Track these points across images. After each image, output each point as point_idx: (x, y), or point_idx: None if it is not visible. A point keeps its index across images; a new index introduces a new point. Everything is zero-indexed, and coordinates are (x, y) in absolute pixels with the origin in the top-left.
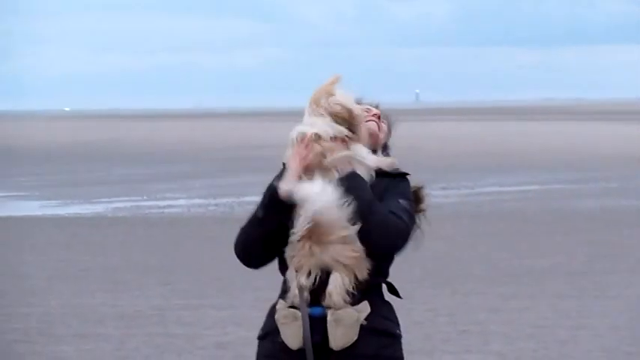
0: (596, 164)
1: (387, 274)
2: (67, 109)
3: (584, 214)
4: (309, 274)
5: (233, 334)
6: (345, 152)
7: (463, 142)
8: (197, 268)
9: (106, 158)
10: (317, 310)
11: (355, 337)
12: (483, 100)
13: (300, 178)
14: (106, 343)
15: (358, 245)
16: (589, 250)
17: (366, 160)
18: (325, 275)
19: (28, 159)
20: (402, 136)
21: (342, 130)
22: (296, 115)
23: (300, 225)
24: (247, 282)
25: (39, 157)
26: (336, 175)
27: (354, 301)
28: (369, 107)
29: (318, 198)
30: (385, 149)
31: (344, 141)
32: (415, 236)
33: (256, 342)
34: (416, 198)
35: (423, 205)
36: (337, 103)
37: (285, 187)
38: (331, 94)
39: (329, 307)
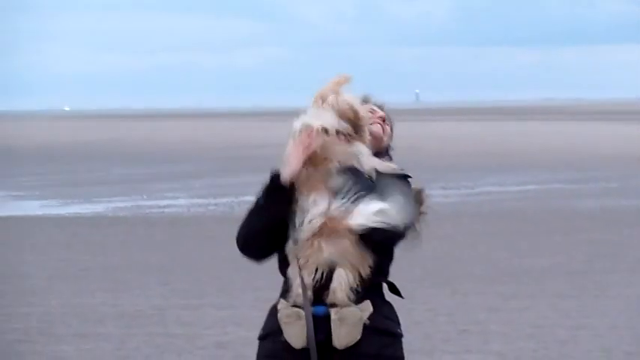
0: (596, 164)
1: (387, 274)
2: (66, 108)
3: (584, 213)
4: (314, 271)
5: (233, 333)
6: (348, 148)
7: (463, 142)
8: (197, 268)
9: (105, 158)
10: (320, 309)
11: (359, 336)
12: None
13: (302, 166)
14: (106, 342)
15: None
16: (589, 249)
17: (368, 160)
18: (328, 274)
19: (28, 159)
20: (402, 136)
21: (347, 127)
22: (296, 115)
23: (309, 218)
24: (247, 282)
25: (39, 157)
26: (337, 166)
27: (357, 299)
28: (374, 108)
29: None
30: (387, 151)
31: (347, 139)
32: (412, 236)
33: (256, 342)
34: (416, 200)
35: (423, 208)
36: (345, 102)
37: (287, 173)
38: (339, 93)
39: (332, 305)
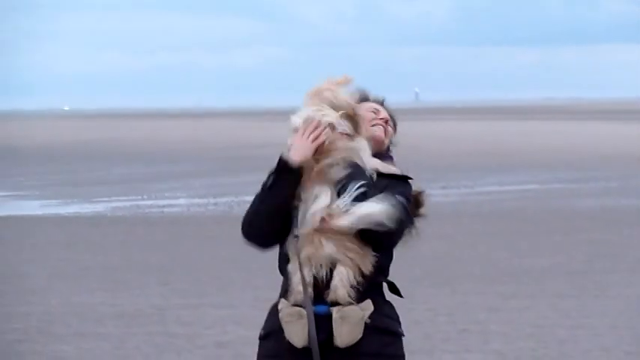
0: (596, 164)
1: (387, 273)
2: (66, 108)
3: (584, 213)
4: (315, 268)
5: (233, 333)
6: (350, 144)
7: (463, 142)
8: (197, 268)
9: (105, 157)
10: (322, 308)
11: (360, 335)
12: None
13: (312, 154)
14: (105, 342)
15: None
16: (589, 249)
17: (369, 158)
18: (329, 271)
19: (28, 158)
20: (401, 136)
21: (347, 124)
22: (292, 113)
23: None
24: (247, 281)
25: (39, 157)
26: (340, 162)
27: (358, 298)
28: (377, 108)
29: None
30: (388, 151)
31: (347, 135)
32: (410, 236)
33: (256, 341)
34: (416, 202)
35: (422, 210)
36: (343, 99)
37: (298, 157)
38: (335, 91)
39: (333, 304)
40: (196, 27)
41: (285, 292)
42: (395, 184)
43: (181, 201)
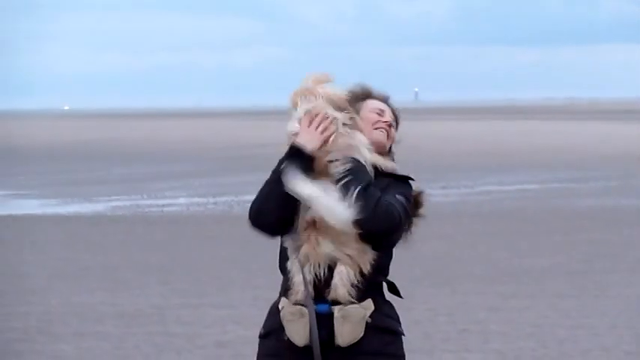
0: (596, 163)
1: (387, 273)
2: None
3: (584, 213)
4: (314, 266)
5: (232, 332)
6: (349, 139)
7: (463, 142)
8: (196, 267)
9: (105, 157)
10: (323, 307)
11: (361, 334)
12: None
13: (321, 146)
14: (105, 341)
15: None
16: (589, 249)
17: (369, 154)
18: (327, 270)
19: (28, 158)
20: (401, 135)
21: (349, 123)
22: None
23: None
24: (247, 281)
25: (39, 156)
26: (340, 157)
27: (359, 297)
28: (382, 109)
29: (320, 200)
30: (389, 150)
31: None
32: (408, 236)
33: (256, 340)
34: (416, 203)
35: (422, 211)
36: (335, 94)
37: (311, 145)
38: (323, 88)
39: (334, 303)
40: (196, 27)
41: (285, 291)
42: (395, 184)
43: (181, 200)
